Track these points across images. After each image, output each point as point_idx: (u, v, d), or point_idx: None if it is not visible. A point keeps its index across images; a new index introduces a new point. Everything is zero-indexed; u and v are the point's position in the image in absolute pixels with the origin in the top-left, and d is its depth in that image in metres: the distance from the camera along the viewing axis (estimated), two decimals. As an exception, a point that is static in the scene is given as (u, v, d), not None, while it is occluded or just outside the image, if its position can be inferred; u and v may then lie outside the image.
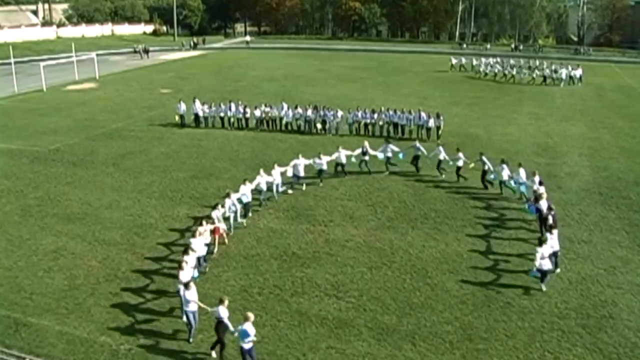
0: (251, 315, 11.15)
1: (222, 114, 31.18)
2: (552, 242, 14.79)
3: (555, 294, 14.19)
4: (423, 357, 11.81)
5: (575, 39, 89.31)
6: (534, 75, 48.79)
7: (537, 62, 53.38)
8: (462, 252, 16.45)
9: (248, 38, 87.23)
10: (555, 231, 15.14)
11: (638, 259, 16.13)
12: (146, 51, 66.34)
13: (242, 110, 30.86)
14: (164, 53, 69.89)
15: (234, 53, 73.01)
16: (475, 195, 20.91)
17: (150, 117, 34.04)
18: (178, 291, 12.84)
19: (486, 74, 51.29)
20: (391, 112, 29.26)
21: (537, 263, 14.13)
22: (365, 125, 29.47)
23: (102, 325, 12.77)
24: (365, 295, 14.10)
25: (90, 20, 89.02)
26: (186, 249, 13.89)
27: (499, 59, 55.09)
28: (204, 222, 15.34)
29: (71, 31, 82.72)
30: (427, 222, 18.56)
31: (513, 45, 78.26)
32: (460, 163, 21.94)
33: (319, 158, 21.67)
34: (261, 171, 19.44)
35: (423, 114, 28.64)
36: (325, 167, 21.92)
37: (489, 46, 79.99)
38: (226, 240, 16.63)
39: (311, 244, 16.94)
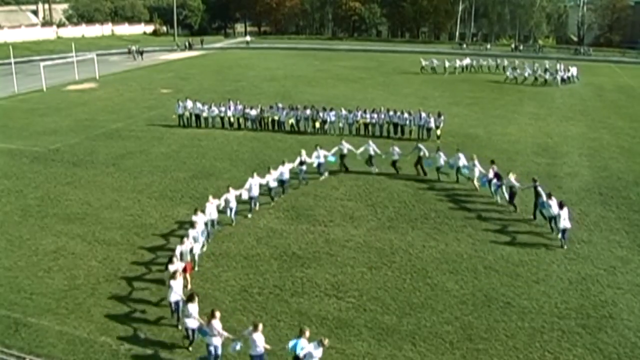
0: (260, 325, 10.80)
1: (215, 114, 31.10)
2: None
3: (555, 294, 14.20)
4: (423, 357, 11.81)
5: (576, 39, 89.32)
6: (526, 75, 48.59)
7: (517, 62, 53.43)
8: (462, 252, 16.45)
9: (248, 38, 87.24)
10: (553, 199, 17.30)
11: (638, 259, 16.13)
12: (140, 52, 64.96)
13: (241, 110, 30.85)
14: (158, 54, 69.57)
15: (234, 53, 73.03)
16: (476, 195, 20.90)
17: (150, 117, 34.04)
18: (172, 305, 12.55)
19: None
20: (391, 112, 29.27)
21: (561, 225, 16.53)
22: (366, 125, 29.46)
23: (102, 325, 12.77)
24: (365, 295, 14.10)
25: (90, 20, 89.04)
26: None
27: (474, 60, 54.62)
28: (174, 259, 13.46)
29: (71, 31, 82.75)
30: (427, 222, 18.56)
31: (513, 46, 78.26)
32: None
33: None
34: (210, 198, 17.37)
35: (423, 114, 28.65)
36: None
37: (489, 46, 79.98)
38: (189, 273, 14.33)
39: (311, 244, 16.94)
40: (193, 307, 11.63)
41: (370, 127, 29.52)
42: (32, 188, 21.72)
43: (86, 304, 13.68)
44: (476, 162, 21.08)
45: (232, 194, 17.72)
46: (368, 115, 29.27)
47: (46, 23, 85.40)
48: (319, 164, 22.43)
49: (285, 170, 20.17)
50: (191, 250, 14.54)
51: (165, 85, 46.04)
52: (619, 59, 70.04)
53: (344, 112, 29.63)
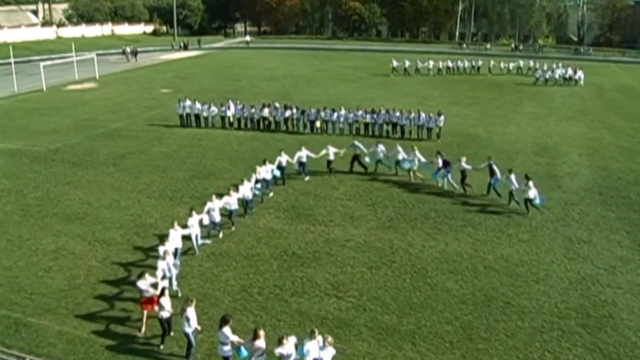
0: (261, 332, 10.66)
1: (215, 114, 31.07)
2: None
3: (555, 294, 14.20)
4: (423, 357, 11.82)
5: (575, 38, 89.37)
6: (556, 77, 48.28)
7: (493, 62, 53.30)
8: (462, 251, 16.45)
9: (248, 38, 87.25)
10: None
11: (638, 259, 16.13)
12: (134, 53, 63.49)
13: (240, 110, 30.83)
14: (152, 54, 68.97)
15: (234, 53, 73.03)
16: (476, 195, 20.90)
17: (150, 116, 34.04)
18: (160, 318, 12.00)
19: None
20: (391, 112, 29.25)
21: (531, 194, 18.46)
22: (365, 125, 29.45)
23: (102, 325, 12.76)
24: (365, 295, 14.10)
25: (90, 20, 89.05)
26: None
27: (450, 61, 53.23)
28: (146, 276, 12.61)
29: (71, 31, 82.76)
30: (427, 222, 18.56)
31: (513, 45, 78.28)
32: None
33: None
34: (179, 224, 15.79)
35: (423, 114, 28.64)
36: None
37: (488, 46, 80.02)
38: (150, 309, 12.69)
39: (311, 243, 16.94)
40: (191, 312, 11.37)
41: (370, 127, 29.52)
42: (32, 188, 21.72)
43: (86, 304, 13.68)
44: (417, 152, 21.84)
45: (195, 219, 15.81)
46: (368, 115, 29.27)
47: (46, 23, 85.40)
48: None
49: (246, 189, 18.30)
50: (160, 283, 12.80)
51: (165, 85, 46.04)
52: (618, 59, 70.09)
53: (343, 112, 29.62)
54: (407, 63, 52.14)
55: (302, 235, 17.52)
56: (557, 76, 48.04)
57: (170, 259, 13.62)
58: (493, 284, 14.69)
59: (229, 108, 30.88)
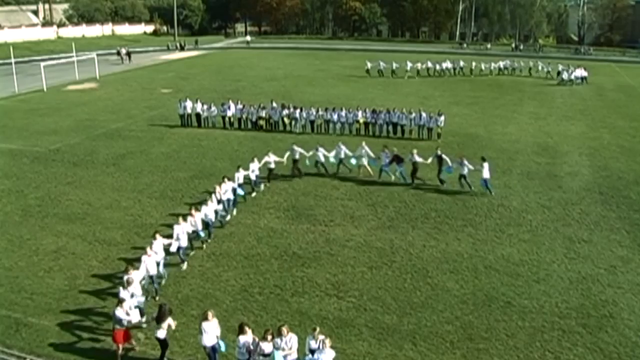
0: (247, 328, 10.59)
1: (215, 114, 31.04)
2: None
3: (556, 294, 14.19)
4: (424, 357, 11.81)
5: (576, 38, 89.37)
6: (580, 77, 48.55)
7: (474, 64, 52.36)
8: (463, 251, 16.45)
9: (248, 38, 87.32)
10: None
11: (638, 259, 16.13)
12: (128, 54, 61.79)
13: (240, 110, 30.82)
14: (147, 55, 68.33)
15: (234, 53, 73.03)
16: (476, 195, 20.90)
17: (150, 117, 34.05)
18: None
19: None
20: (391, 112, 29.25)
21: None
22: (366, 125, 29.45)
23: (103, 326, 12.75)
24: (366, 295, 14.10)
25: (90, 20, 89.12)
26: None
27: (429, 63, 51.74)
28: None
29: (71, 31, 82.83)
30: (428, 222, 18.55)
31: (513, 45, 78.29)
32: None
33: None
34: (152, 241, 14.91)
35: (424, 114, 28.64)
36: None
37: (489, 46, 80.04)
38: (135, 345, 12.03)
39: (312, 243, 16.94)
40: (210, 325, 10.98)
41: (370, 127, 29.51)
42: (32, 188, 21.73)
43: (86, 304, 13.68)
44: (366, 148, 22.26)
45: (158, 242, 14.49)
46: (368, 115, 29.27)
47: (46, 23, 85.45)
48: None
49: (209, 211, 16.79)
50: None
51: (165, 85, 46.05)
52: (619, 59, 70.11)
53: (343, 111, 29.63)
54: (382, 64, 50.82)
55: (302, 235, 17.52)
56: (573, 77, 48.40)
57: (133, 287, 12.31)
58: (493, 283, 14.68)
59: (229, 108, 30.88)
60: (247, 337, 10.45)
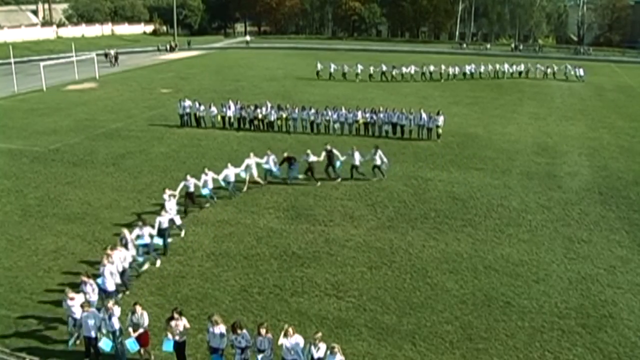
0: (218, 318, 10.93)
1: (215, 114, 31.00)
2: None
3: (555, 294, 14.20)
4: (423, 357, 11.81)
5: (575, 38, 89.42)
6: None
7: (444, 67, 49.33)
8: (462, 251, 16.45)
9: (248, 38, 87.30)
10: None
11: (638, 259, 16.13)
12: (115, 57, 58.76)
13: (239, 110, 30.80)
14: (134, 58, 65.84)
15: (234, 53, 73.01)
16: (476, 195, 20.92)
17: (150, 116, 34.04)
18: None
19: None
20: (391, 112, 29.26)
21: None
22: (366, 125, 29.45)
23: (102, 325, 12.73)
24: (365, 295, 14.10)
25: (90, 20, 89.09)
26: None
27: (384, 66, 49.09)
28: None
29: (71, 31, 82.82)
30: (427, 222, 18.56)
31: (513, 45, 78.32)
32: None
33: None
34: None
35: (423, 114, 28.63)
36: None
37: (489, 46, 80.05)
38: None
39: (311, 243, 16.94)
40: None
41: (370, 127, 29.51)
42: (32, 188, 21.72)
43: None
44: (271, 157, 21.61)
45: (117, 255, 13.67)
46: (368, 115, 29.26)
47: (46, 23, 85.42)
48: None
49: (164, 220, 15.93)
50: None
51: (165, 85, 46.03)
52: (618, 59, 70.16)
53: (343, 111, 29.63)
54: (333, 67, 48.91)
55: (302, 235, 17.52)
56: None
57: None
58: (493, 283, 14.69)
59: (229, 108, 30.88)
60: (219, 329, 10.80)
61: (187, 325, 11.25)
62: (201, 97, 34.15)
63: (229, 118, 30.87)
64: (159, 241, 15.61)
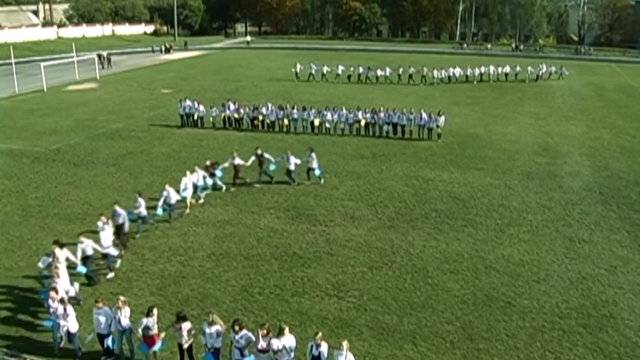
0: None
1: (215, 114, 31.00)
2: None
3: (556, 294, 14.19)
4: (424, 357, 11.81)
5: (576, 38, 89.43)
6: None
7: (426, 70, 46.84)
8: (463, 251, 16.44)
9: (248, 38, 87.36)
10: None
11: (639, 259, 16.12)
12: (108, 59, 56.92)
13: (237, 109, 30.79)
14: (130, 59, 65.37)
15: (235, 53, 73.03)
16: (476, 195, 20.91)
17: (150, 117, 34.05)
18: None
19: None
20: (391, 112, 29.25)
21: None
22: (366, 125, 29.44)
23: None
24: (366, 295, 14.09)
25: (90, 21, 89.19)
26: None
27: (362, 68, 48.20)
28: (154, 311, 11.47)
29: (72, 31, 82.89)
30: (428, 222, 18.55)
31: (514, 45, 78.30)
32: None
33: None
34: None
35: (424, 114, 28.63)
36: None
37: (489, 46, 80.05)
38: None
39: (312, 243, 16.94)
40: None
41: (370, 127, 29.50)
42: (32, 188, 21.73)
43: (86, 304, 13.65)
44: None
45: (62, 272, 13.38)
46: (368, 116, 29.25)
47: (47, 23, 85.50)
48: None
49: (107, 236, 15.07)
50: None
51: (165, 85, 46.05)
52: (619, 59, 70.16)
53: (344, 111, 29.62)
54: (313, 68, 47.91)
55: (302, 235, 17.52)
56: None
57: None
58: (494, 283, 14.68)
59: (229, 108, 30.88)
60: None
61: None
62: (202, 98, 34.15)
63: (229, 118, 30.86)
64: (82, 269, 14.36)
